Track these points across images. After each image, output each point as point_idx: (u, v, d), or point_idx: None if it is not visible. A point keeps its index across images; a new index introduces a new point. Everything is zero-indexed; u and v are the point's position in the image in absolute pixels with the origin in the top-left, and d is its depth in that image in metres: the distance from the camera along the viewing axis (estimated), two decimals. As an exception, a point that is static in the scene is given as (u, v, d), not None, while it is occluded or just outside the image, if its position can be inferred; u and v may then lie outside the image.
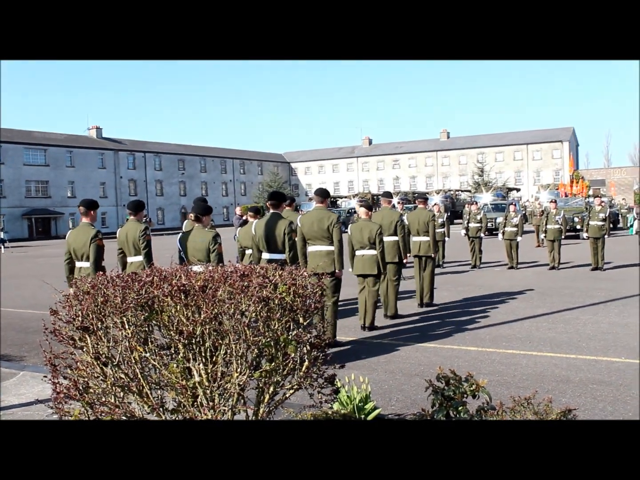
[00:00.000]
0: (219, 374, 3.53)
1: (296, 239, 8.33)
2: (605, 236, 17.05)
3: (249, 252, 9.29)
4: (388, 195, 11.19)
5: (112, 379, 3.67)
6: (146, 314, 3.70)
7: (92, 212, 7.86)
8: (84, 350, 3.74)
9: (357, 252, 9.41)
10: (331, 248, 8.35)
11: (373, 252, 9.23)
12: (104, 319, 3.72)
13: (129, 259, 8.21)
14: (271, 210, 8.27)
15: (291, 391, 3.87)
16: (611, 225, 29.12)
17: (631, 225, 29.36)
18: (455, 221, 45.68)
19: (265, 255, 8.11)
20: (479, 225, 18.72)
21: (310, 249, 8.49)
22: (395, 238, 10.33)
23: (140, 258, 8.05)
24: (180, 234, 7.53)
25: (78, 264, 7.71)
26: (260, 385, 3.77)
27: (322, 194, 8.71)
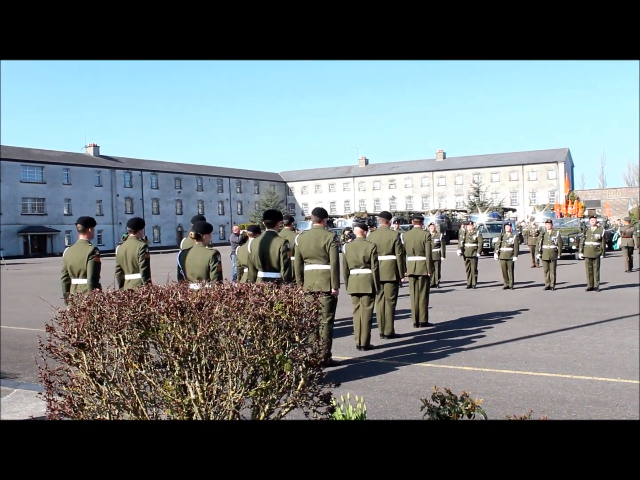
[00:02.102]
0: (215, 392, 3.53)
1: (294, 258, 8.36)
2: (601, 256, 17.10)
3: (247, 270, 9.30)
4: (386, 215, 11.27)
5: (107, 396, 3.66)
6: (142, 331, 3.70)
7: (89, 229, 7.85)
8: (80, 367, 3.74)
9: (352, 271, 9.43)
10: (327, 267, 8.39)
11: (368, 271, 9.27)
12: (99, 336, 3.72)
13: (127, 277, 8.21)
14: (267, 229, 8.22)
15: (286, 409, 3.86)
16: (606, 246, 29.29)
17: (615, 241, 30.23)
18: (452, 241, 45.77)
19: (260, 274, 8.07)
20: (474, 245, 18.76)
21: (307, 267, 8.53)
22: (393, 257, 10.35)
23: (138, 276, 8.07)
24: (180, 251, 7.50)
25: (74, 281, 7.69)
26: (256, 403, 3.76)
27: (320, 213, 8.76)
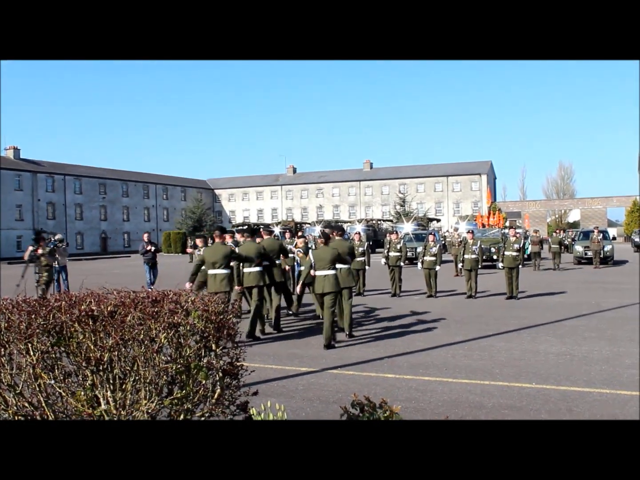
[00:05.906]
0: (128, 402, 3.44)
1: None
2: (520, 266, 17.61)
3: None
4: (339, 228, 12.52)
5: (15, 408, 3.52)
6: (54, 340, 3.57)
7: (224, 235, 11.49)
8: (-15, 378, 3.58)
9: (318, 273, 10.66)
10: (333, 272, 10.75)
11: (332, 272, 10.62)
12: (7, 345, 3.57)
13: (214, 271, 11.03)
14: (322, 244, 10.97)
15: (202, 419, 3.80)
16: (525, 256, 30.22)
17: (527, 249, 31.90)
18: (378, 250, 46.30)
19: (320, 272, 10.56)
20: (398, 254, 19.00)
21: (319, 273, 10.62)
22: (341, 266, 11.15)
23: (223, 271, 11.03)
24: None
25: (211, 271, 11.02)
26: (172, 413, 3.68)
27: (338, 228, 12.07)
